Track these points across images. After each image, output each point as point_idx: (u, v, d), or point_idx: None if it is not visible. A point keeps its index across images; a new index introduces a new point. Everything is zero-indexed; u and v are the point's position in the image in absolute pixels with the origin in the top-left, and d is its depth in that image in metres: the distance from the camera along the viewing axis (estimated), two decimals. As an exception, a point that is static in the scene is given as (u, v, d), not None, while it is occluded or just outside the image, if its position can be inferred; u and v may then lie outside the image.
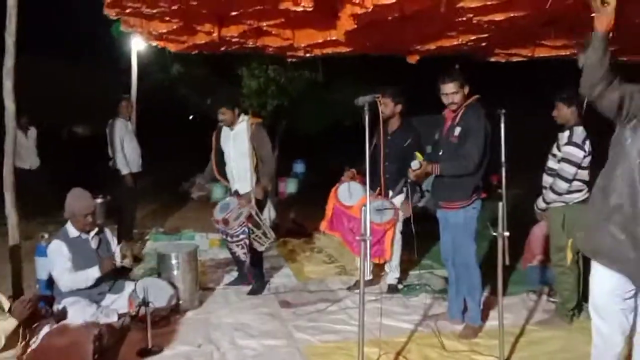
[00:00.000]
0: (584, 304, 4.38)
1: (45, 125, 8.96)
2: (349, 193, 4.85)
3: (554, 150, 4.15)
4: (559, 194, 4.05)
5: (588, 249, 2.84)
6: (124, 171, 6.70)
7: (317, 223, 5.18)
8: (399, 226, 4.90)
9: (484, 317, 4.24)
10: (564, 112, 4.09)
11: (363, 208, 3.07)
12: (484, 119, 3.90)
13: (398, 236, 4.95)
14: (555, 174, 4.06)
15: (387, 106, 4.76)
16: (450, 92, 3.89)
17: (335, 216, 4.89)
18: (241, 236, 4.74)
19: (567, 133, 4.04)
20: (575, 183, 4.01)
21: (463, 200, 3.94)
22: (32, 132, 8.57)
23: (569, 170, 3.97)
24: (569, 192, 4.03)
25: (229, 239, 4.88)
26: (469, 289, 4.10)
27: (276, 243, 6.83)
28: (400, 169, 4.59)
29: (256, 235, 4.79)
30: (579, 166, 3.97)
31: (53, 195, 4.31)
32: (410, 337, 4.04)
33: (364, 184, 4.91)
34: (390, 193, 4.81)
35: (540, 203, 4.26)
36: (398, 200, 4.84)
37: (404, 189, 4.76)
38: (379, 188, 4.76)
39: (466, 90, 3.93)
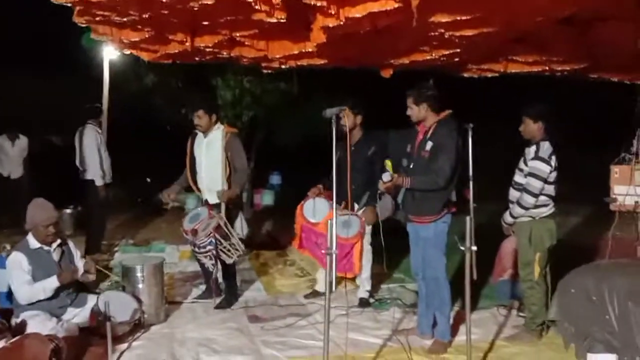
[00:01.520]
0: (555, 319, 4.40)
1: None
2: (314, 210, 4.82)
3: (521, 164, 4.18)
4: (526, 209, 4.07)
5: None
6: (99, 182, 6.54)
7: (291, 236, 5.11)
8: (368, 238, 4.88)
9: (454, 331, 4.22)
10: (530, 127, 4.13)
11: (329, 222, 3.03)
12: (456, 134, 3.90)
13: (367, 248, 4.91)
14: (522, 189, 4.08)
15: (348, 118, 4.71)
16: (408, 105, 3.99)
17: (304, 234, 4.84)
18: (208, 247, 4.62)
19: (533, 148, 4.08)
20: (542, 197, 4.04)
21: (433, 215, 3.93)
22: (22, 141, 8.51)
23: (535, 184, 4.00)
24: (536, 206, 4.05)
25: (196, 249, 4.77)
26: (439, 303, 4.08)
27: (249, 255, 6.76)
28: (368, 179, 4.58)
29: (224, 247, 4.68)
30: (546, 181, 4.00)
31: (25, 204, 4.17)
32: (378, 352, 4.00)
33: (330, 199, 4.91)
34: (356, 206, 4.78)
35: (508, 217, 4.27)
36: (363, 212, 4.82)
37: (369, 200, 4.74)
38: (344, 202, 4.70)
39: (423, 108, 3.95)
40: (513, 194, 4.21)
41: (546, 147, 4.03)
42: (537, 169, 4.00)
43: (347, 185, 4.68)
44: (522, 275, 4.26)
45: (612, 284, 3.22)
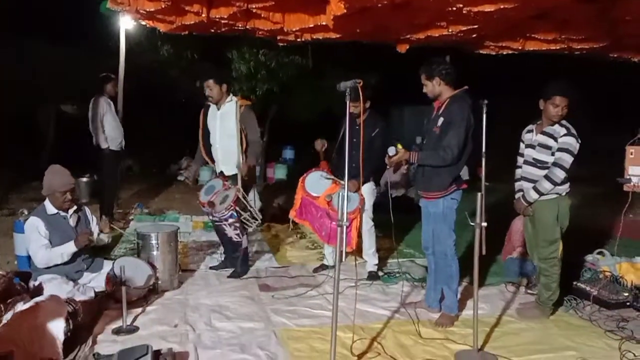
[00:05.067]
0: (564, 298, 4.43)
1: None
2: (316, 183, 4.85)
3: (546, 141, 4.05)
4: (556, 184, 4.01)
5: None
6: (104, 145, 6.66)
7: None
8: (369, 214, 4.93)
9: (462, 306, 4.26)
10: (565, 109, 4.01)
11: (339, 194, 3.05)
12: (468, 110, 3.88)
13: (370, 224, 4.98)
14: (554, 164, 4.00)
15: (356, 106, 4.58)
16: (422, 82, 3.99)
17: (303, 206, 4.90)
18: (230, 220, 4.73)
19: (557, 126, 4.01)
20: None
21: (441, 191, 3.95)
22: None
23: (568, 159, 3.97)
24: (562, 182, 4.03)
25: (217, 221, 4.85)
26: (447, 278, 4.13)
27: (260, 227, 6.84)
28: (366, 158, 4.47)
29: (244, 218, 4.79)
30: (575, 156, 3.99)
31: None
32: (386, 324, 4.06)
33: (331, 173, 4.92)
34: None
35: (532, 194, 4.11)
36: (366, 188, 4.82)
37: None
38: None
39: (437, 82, 3.92)
40: (532, 171, 4.15)
41: (567, 124, 4.01)
42: (570, 145, 3.96)
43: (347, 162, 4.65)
44: (544, 253, 4.19)
45: None
